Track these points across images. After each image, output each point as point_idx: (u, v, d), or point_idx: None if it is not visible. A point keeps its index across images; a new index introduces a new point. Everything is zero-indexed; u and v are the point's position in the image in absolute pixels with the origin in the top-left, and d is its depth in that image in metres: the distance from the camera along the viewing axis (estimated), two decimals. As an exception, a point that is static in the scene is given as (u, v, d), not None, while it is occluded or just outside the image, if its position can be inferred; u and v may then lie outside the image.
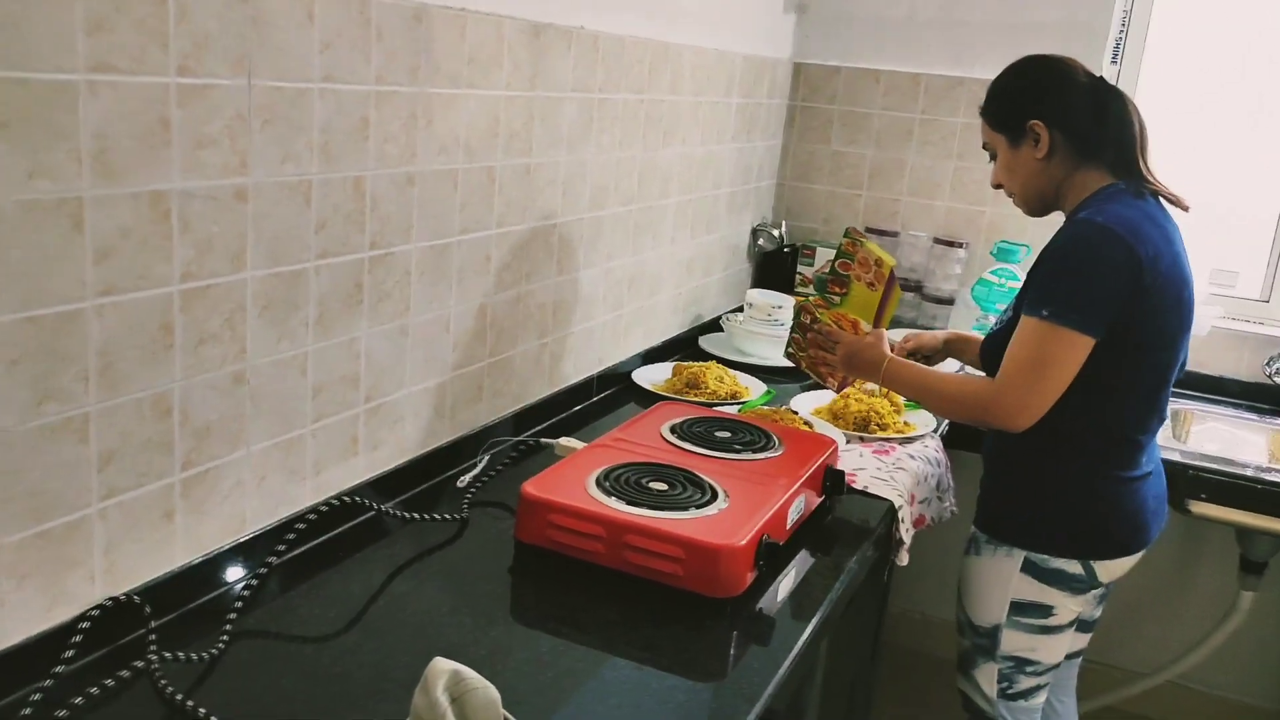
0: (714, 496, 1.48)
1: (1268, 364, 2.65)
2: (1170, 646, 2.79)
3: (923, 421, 2.15)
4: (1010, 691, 1.89)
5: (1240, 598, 2.56)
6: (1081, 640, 2.04)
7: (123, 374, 1.11)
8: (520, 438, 1.85)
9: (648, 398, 2.19)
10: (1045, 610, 1.81)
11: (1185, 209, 1.75)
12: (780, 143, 3.04)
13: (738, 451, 1.68)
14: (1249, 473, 2.26)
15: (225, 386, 1.25)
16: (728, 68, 2.55)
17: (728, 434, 1.75)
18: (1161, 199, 1.74)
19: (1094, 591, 1.82)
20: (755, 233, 2.96)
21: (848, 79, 2.96)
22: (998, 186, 1.86)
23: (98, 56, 1.02)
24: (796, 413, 2.05)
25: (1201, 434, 2.58)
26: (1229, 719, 2.83)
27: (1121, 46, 2.78)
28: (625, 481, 1.50)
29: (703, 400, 2.17)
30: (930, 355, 2.10)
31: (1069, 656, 2.05)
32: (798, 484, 1.56)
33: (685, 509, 1.43)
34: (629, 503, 1.42)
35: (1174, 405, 2.62)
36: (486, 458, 1.75)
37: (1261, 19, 2.80)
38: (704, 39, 2.39)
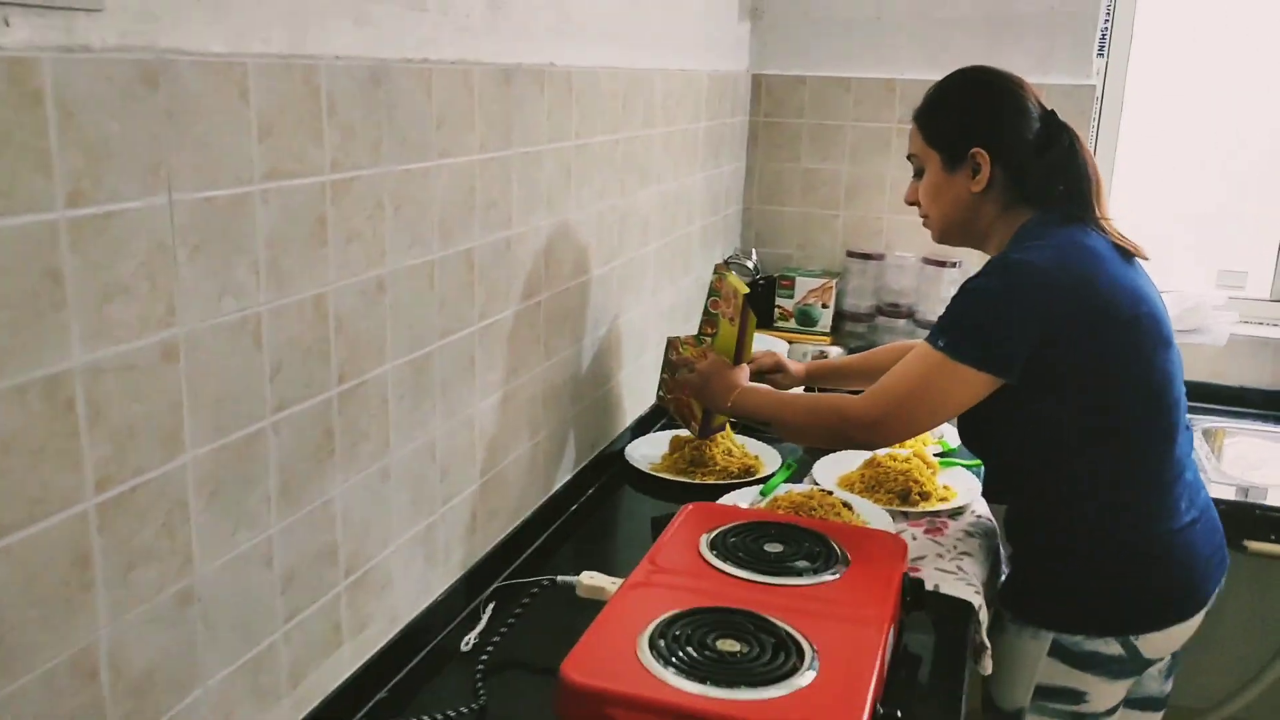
0: (800, 656, 1.18)
1: (1291, 370, 2.47)
2: (1224, 683, 2.59)
3: (963, 485, 1.89)
4: None
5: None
6: None
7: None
8: (532, 579, 1.50)
9: (647, 481, 1.89)
10: (1077, 696, 1.56)
11: (1144, 258, 1.56)
12: (744, 164, 2.76)
13: (800, 574, 1.38)
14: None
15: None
16: (695, 89, 2.26)
17: (779, 546, 1.46)
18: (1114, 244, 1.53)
19: (1139, 673, 1.57)
20: (727, 265, 2.66)
21: (815, 89, 2.69)
22: (913, 204, 1.67)
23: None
24: (830, 492, 1.77)
25: (1234, 456, 2.39)
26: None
27: (1108, 37, 2.57)
28: (688, 641, 1.19)
29: (715, 480, 1.88)
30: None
31: None
32: (890, 617, 1.28)
33: (774, 681, 1.13)
34: (703, 679, 1.12)
35: (1203, 423, 2.43)
36: (491, 607, 1.42)
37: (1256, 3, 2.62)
38: (671, 60, 2.09)
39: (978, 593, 1.56)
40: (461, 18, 1.29)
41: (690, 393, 1.85)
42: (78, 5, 0.77)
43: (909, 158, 1.66)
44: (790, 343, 2.57)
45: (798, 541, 1.47)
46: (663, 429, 2.13)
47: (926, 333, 2.57)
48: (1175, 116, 2.71)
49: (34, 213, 0.74)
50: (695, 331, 1.99)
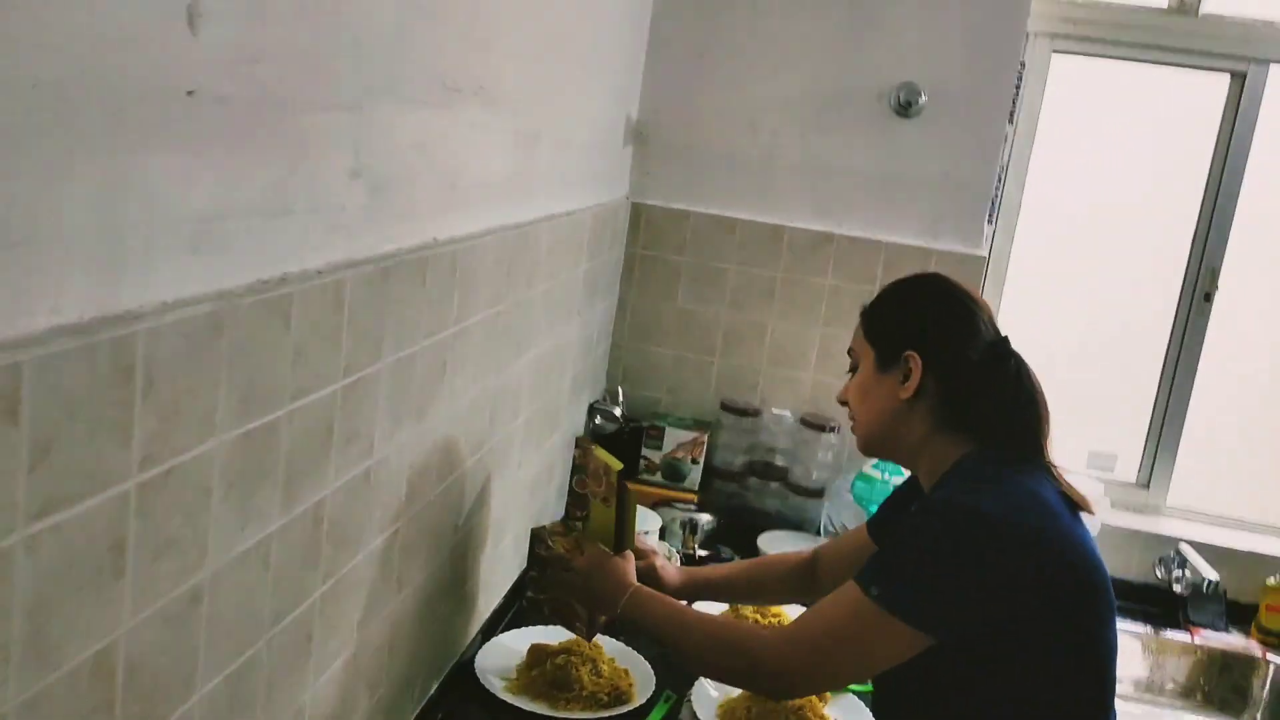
0: None
1: (1159, 563, 2.43)
2: None
3: (854, 718, 1.70)
4: None
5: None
6: None
7: None
8: None
9: (500, 711, 1.59)
10: None
11: (1090, 512, 1.41)
12: (617, 298, 2.53)
13: None
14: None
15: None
16: (578, 231, 2.01)
17: None
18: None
19: None
20: (592, 411, 2.42)
21: (698, 226, 2.49)
22: (844, 403, 1.51)
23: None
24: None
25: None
26: None
27: (997, 205, 2.49)
28: None
29: (581, 714, 1.61)
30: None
31: None
32: None
33: None
34: None
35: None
36: None
37: (1134, 183, 2.60)
38: (558, 203, 1.84)
39: None
40: (336, 213, 1.00)
41: (573, 596, 1.58)
42: None
43: (848, 352, 1.51)
44: (654, 500, 2.34)
45: None
46: (512, 627, 1.83)
47: (800, 497, 2.43)
48: (1049, 289, 2.67)
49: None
50: (561, 513, 1.73)
